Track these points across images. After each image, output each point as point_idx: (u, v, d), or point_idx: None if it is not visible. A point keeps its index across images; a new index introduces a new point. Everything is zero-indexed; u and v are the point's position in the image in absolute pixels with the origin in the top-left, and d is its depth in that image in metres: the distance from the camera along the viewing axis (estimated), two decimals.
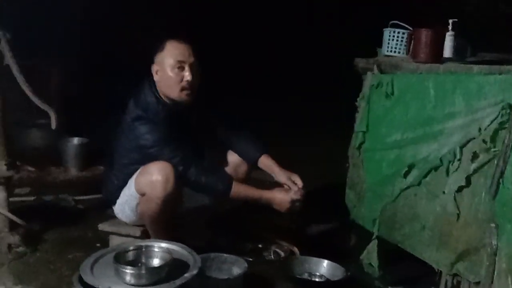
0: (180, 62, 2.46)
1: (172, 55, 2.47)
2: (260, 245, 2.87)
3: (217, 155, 2.76)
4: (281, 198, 2.46)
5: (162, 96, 2.50)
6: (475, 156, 2.07)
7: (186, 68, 2.46)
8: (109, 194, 2.63)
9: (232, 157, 2.74)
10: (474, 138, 2.08)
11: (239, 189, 2.46)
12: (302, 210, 2.50)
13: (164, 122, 2.45)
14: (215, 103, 2.76)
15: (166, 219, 2.44)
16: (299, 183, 2.54)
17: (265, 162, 2.66)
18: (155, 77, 2.51)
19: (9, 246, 2.69)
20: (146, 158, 2.42)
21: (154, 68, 2.51)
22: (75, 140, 4.16)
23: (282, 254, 2.79)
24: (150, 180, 2.36)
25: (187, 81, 2.45)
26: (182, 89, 2.47)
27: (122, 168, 2.55)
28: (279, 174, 2.59)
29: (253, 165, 2.70)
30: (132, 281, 1.88)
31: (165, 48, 2.49)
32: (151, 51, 2.54)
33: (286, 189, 2.51)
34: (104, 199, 2.72)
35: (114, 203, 2.61)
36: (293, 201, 2.45)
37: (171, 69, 2.46)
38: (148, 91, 2.50)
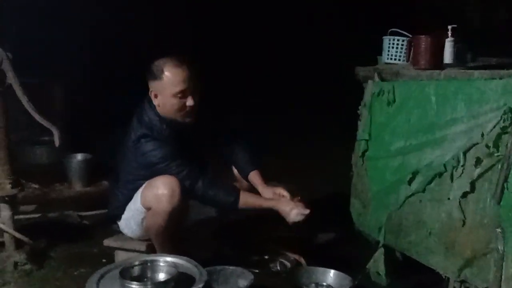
0: (181, 91, 2.43)
1: (172, 84, 2.42)
2: (266, 257, 2.86)
3: (222, 168, 2.77)
4: (285, 210, 2.45)
5: (164, 116, 2.50)
6: (478, 161, 2.06)
7: (188, 94, 2.44)
8: (114, 210, 2.64)
9: (236, 170, 2.75)
10: (477, 144, 2.07)
11: (247, 200, 2.47)
12: (305, 223, 2.48)
13: (168, 139, 2.45)
14: (216, 117, 2.77)
15: (172, 233, 2.44)
16: (285, 194, 2.54)
17: (252, 180, 2.66)
18: (155, 101, 2.48)
19: (15, 264, 2.69)
20: (153, 174, 2.43)
21: (153, 93, 2.48)
22: (79, 156, 4.17)
23: (289, 265, 2.77)
24: (156, 194, 2.37)
25: (191, 106, 2.45)
26: (186, 113, 2.47)
27: (127, 184, 2.56)
28: (263, 192, 2.59)
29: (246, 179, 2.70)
30: None
31: (163, 76, 2.43)
32: (146, 75, 2.49)
33: (293, 202, 2.49)
34: (109, 215, 2.72)
35: (120, 218, 2.61)
36: (297, 214, 2.44)
37: (173, 97, 2.43)
38: (150, 111, 2.49)
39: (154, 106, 2.50)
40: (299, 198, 2.54)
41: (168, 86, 2.43)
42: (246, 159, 2.70)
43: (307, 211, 2.44)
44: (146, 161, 2.44)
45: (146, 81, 2.51)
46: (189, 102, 2.45)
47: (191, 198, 2.47)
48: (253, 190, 2.64)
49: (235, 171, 2.76)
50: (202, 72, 2.53)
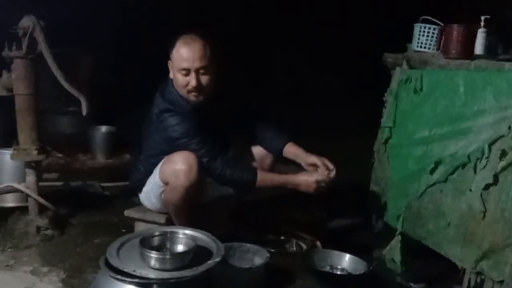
0: (185, 69, 2.43)
1: (178, 60, 2.44)
2: (282, 237, 2.89)
3: (242, 148, 2.77)
4: (306, 180, 2.44)
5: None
6: (503, 154, 2.04)
7: (191, 73, 2.43)
8: (135, 182, 2.68)
9: (257, 150, 2.75)
10: (503, 136, 2.05)
11: (264, 177, 2.46)
12: (329, 186, 2.46)
13: (190, 116, 2.47)
14: (238, 97, 2.77)
15: (189, 208, 2.46)
16: (330, 165, 2.51)
17: (291, 150, 2.63)
18: (170, 74, 2.52)
19: (38, 228, 2.75)
20: (173, 149, 2.44)
21: (169, 64, 2.52)
22: (103, 128, 4.22)
23: (304, 246, 2.79)
24: (174, 169, 2.39)
25: (192, 86, 2.45)
26: (188, 91, 2.47)
27: (149, 157, 2.59)
28: (307, 157, 2.56)
29: (278, 156, 2.69)
30: (157, 266, 1.91)
31: (173, 50, 2.46)
32: (167, 47, 2.51)
33: (310, 171, 2.50)
34: (130, 187, 2.76)
35: (140, 190, 2.65)
36: (318, 182, 2.42)
37: (178, 71, 2.46)
38: (172, 87, 2.52)
39: None
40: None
41: (176, 60, 2.46)
42: (277, 136, 2.68)
43: (324, 176, 2.43)
44: (168, 135, 2.47)
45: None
46: (192, 82, 2.44)
47: (208, 177, 2.48)
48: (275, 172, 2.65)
49: (256, 150, 2.75)
50: (224, 52, 2.52)
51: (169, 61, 2.51)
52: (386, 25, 5.39)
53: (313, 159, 2.54)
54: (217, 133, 2.60)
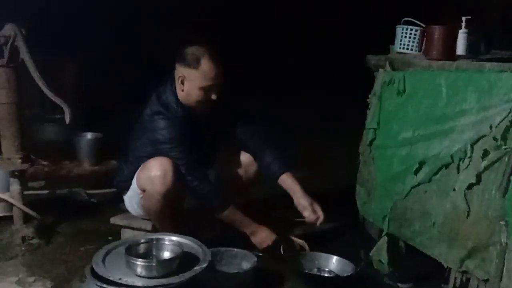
0: (211, 85, 2.44)
1: (205, 78, 2.41)
2: None
3: (228, 155, 2.75)
4: (264, 237, 2.56)
5: (183, 101, 2.50)
6: (486, 153, 2.06)
7: (215, 88, 2.45)
8: (119, 183, 2.67)
9: (244, 157, 2.74)
10: (485, 136, 2.07)
11: (231, 214, 2.50)
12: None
13: (181, 122, 2.46)
14: (232, 106, 2.75)
15: (170, 214, 2.46)
16: (320, 212, 2.53)
17: (286, 182, 2.59)
18: (179, 85, 2.47)
19: (23, 238, 2.73)
20: (156, 153, 2.43)
21: (180, 78, 2.46)
22: (89, 135, 4.21)
23: (292, 249, 2.79)
24: (149, 176, 2.38)
25: (213, 100, 2.46)
26: (206, 105, 2.48)
27: (134, 160, 2.56)
28: (300, 197, 2.55)
29: (273, 182, 2.65)
30: (143, 273, 1.91)
31: (199, 67, 2.41)
32: (178, 57, 2.47)
33: (271, 231, 2.58)
34: (115, 188, 2.75)
35: (124, 193, 2.64)
36: (274, 242, 2.56)
37: (200, 89, 2.44)
38: (169, 91, 2.50)
39: (175, 87, 2.50)
40: None
41: (200, 78, 2.42)
42: (276, 161, 2.61)
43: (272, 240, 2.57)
44: (154, 138, 2.45)
45: (164, 64, 2.53)
46: (214, 96, 2.46)
47: (185, 185, 2.45)
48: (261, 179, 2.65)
49: (242, 157, 2.73)
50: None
51: (179, 76, 2.45)
52: (386, 24, 5.44)
53: (306, 202, 2.54)
54: (206, 142, 2.58)
